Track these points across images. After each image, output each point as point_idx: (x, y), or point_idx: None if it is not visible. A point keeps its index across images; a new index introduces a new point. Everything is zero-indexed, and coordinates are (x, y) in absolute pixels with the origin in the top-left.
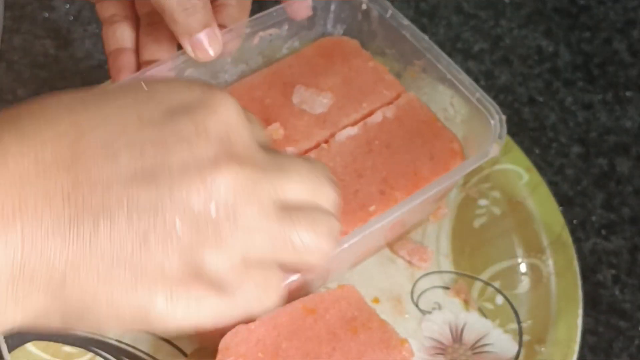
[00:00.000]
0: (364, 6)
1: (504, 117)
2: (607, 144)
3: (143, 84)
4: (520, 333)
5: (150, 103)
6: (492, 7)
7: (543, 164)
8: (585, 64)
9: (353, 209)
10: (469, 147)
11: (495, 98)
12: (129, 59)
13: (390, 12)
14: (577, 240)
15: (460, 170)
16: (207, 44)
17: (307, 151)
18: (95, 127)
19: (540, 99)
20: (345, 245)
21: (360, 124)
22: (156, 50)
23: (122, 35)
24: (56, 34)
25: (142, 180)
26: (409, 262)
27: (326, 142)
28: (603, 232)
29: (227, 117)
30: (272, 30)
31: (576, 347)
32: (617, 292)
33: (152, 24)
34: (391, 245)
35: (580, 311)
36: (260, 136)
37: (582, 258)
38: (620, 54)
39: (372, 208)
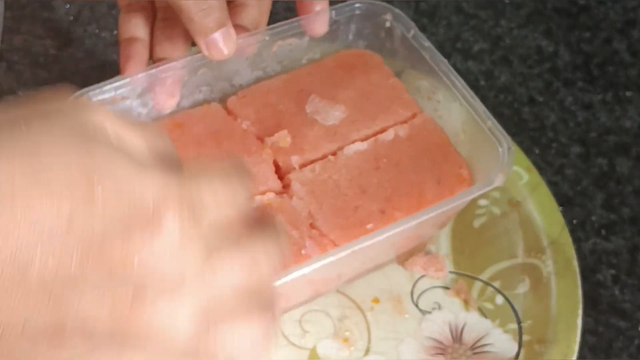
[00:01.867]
0: (387, 24)
1: (512, 148)
2: (607, 144)
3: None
4: (520, 333)
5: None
6: (492, 7)
7: (543, 164)
8: (585, 64)
9: (351, 224)
10: (475, 172)
11: (495, 98)
12: (140, 50)
13: (412, 32)
14: (577, 240)
15: (463, 197)
16: (221, 43)
17: (312, 162)
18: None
19: (540, 99)
20: (332, 259)
21: (371, 140)
22: (169, 48)
23: (136, 25)
24: (56, 34)
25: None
26: (426, 276)
27: (334, 154)
28: (603, 232)
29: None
30: (292, 41)
31: (576, 347)
32: (617, 292)
33: (167, 19)
34: (401, 261)
35: (580, 311)
36: (220, 213)
37: (582, 258)
38: (620, 54)
39: (369, 226)
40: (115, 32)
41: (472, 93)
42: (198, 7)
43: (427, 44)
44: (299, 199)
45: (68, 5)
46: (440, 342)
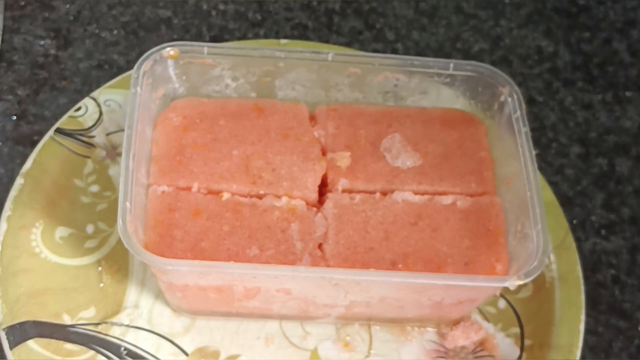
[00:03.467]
0: (502, 97)
1: (546, 260)
2: (607, 144)
3: None
4: (522, 337)
5: None
6: (492, 7)
7: (543, 164)
8: (585, 64)
9: (355, 260)
10: (512, 268)
11: None
12: None
13: (518, 113)
14: (577, 240)
15: (458, 279)
16: None
17: (358, 192)
18: None
19: (540, 98)
20: (303, 274)
21: (425, 197)
22: None
23: None
24: (56, 34)
25: None
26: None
27: (383, 194)
28: (603, 232)
29: None
30: (401, 77)
31: (578, 352)
32: (616, 292)
33: None
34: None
35: (582, 316)
36: None
37: (582, 258)
38: (620, 54)
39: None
40: (115, 31)
41: (539, 193)
42: None
43: (525, 129)
44: (323, 218)
45: (68, 5)
46: (442, 345)
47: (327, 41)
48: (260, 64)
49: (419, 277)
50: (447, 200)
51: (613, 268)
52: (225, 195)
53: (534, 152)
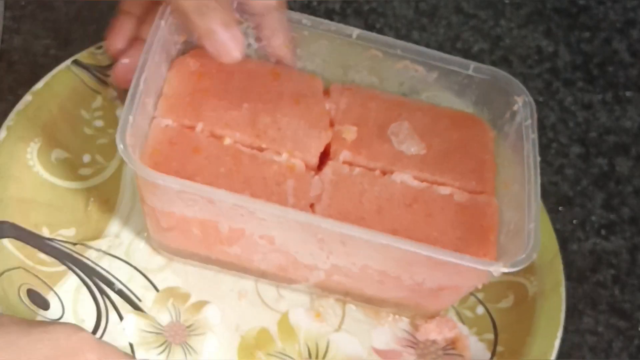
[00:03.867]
0: (515, 107)
1: (534, 255)
2: (607, 144)
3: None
4: (495, 344)
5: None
6: (491, 7)
7: (543, 164)
8: (585, 64)
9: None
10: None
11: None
12: (128, 22)
13: (529, 121)
14: (577, 240)
15: (447, 255)
16: (228, 45)
17: (360, 166)
18: None
19: (540, 99)
20: (292, 215)
21: (425, 184)
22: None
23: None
24: (56, 34)
25: None
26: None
27: (383, 172)
28: (603, 232)
29: None
30: (420, 69)
31: None
32: (616, 292)
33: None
34: (415, 327)
35: (559, 334)
36: None
37: (582, 258)
38: (620, 53)
39: None
40: None
41: (538, 194)
42: (198, 8)
43: (534, 136)
44: (320, 181)
45: (68, 5)
46: (413, 336)
47: None
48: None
49: (406, 243)
50: (445, 190)
51: (613, 268)
52: (228, 140)
53: (538, 158)
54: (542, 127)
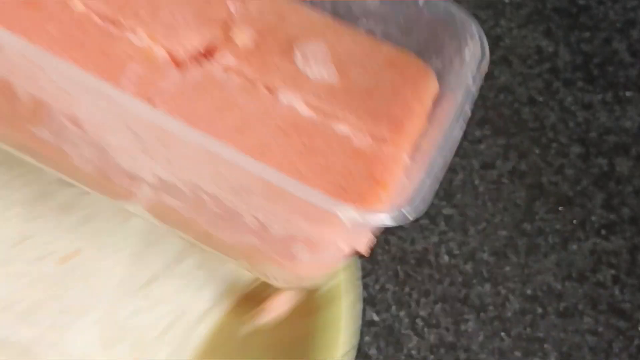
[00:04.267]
0: (466, 54)
1: (423, 205)
2: (607, 144)
3: None
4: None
5: None
6: (491, 7)
7: (543, 164)
8: (585, 64)
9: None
10: None
11: (495, 98)
12: None
13: (476, 71)
14: (576, 240)
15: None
16: None
17: (242, 76)
18: None
19: (540, 98)
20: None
21: (319, 115)
22: None
23: None
24: None
25: None
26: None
27: (269, 90)
28: (603, 232)
29: None
30: None
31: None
32: (616, 292)
33: None
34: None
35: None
36: None
37: (581, 258)
38: (620, 54)
39: None
40: None
41: (446, 155)
42: None
43: (473, 86)
44: (179, 77)
45: None
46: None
47: None
48: None
49: (231, 152)
50: (343, 128)
51: (613, 268)
52: (79, 6)
53: (468, 113)
54: (542, 127)
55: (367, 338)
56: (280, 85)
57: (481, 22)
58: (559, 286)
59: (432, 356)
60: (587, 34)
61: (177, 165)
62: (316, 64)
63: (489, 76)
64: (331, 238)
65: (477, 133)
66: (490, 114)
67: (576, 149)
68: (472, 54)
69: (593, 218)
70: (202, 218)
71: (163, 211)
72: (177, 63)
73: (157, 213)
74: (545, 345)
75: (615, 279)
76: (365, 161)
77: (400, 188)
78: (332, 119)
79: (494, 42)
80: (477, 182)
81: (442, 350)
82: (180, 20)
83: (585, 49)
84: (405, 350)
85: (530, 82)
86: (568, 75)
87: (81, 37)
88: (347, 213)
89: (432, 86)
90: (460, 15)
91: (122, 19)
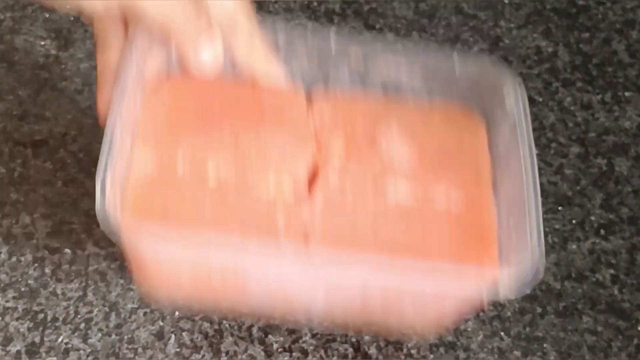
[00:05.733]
0: (507, 98)
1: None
2: (606, 144)
3: None
4: None
5: None
6: (491, 7)
7: (542, 164)
8: (584, 64)
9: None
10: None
11: None
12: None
13: (522, 115)
14: (576, 240)
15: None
16: (207, 61)
17: (350, 181)
18: None
19: (540, 99)
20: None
21: (419, 192)
22: None
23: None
24: (57, 35)
25: None
26: None
27: (375, 187)
28: (602, 232)
29: None
30: (402, 61)
31: None
32: (616, 292)
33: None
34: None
35: None
36: None
37: (581, 258)
38: (619, 54)
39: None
40: None
41: (538, 193)
42: (162, 9)
43: (529, 131)
44: (310, 206)
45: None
46: None
47: None
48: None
49: (405, 265)
50: (440, 199)
51: (612, 268)
52: (210, 167)
53: (535, 151)
54: (541, 128)
55: (367, 337)
56: (382, 178)
57: (481, 22)
58: (558, 286)
59: (431, 356)
60: (586, 35)
61: (347, 286)
62: (396, 147)
63: None
64: (472, 294)
65: None
66: None
67: (575, 149)
68: (511, 93)
69: (592, 218)
70: (361, 311)
71: (331, 315)
72: (300, 187)
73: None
74: (545, 345)
75: (615, 279)
76: (467, 222)
77: (512, 244)
78: (427, 194)
79: (494, 42)
80: None
81: (441, 350)
82: (286, 149)
83: (585, 49)
84: (405, 350)
85: (529, 82)
86: (567, 75)
87: (229, 205)
88: (496, 273)
89: (481, 125)
90: (491, 61)
91: (248, 164)
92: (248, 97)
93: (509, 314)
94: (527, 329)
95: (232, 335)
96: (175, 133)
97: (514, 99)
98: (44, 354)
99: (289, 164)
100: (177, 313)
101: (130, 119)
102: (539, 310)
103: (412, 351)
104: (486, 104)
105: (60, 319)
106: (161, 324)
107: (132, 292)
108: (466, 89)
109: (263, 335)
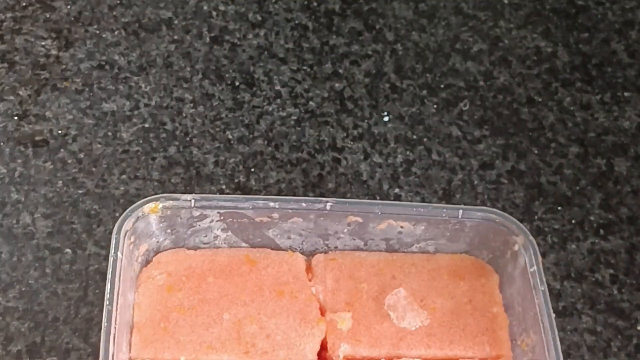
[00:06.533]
0: (515, 247)
1: None
2: (605, 144)
3: None
4: None
5: None
6: (491, 7)
7: (542, 164)
8: (583, 65)
9: None
10: None
11: (494, 98)
12: None
13: (535, 268)
14: (575, 240)
15: None
16: None
17: (362, 358)
18: None
19: (539, 99)
20: None
21: None
22: None
23: None
24: (57, 35)
25: None
26: None
27: (389, 359)
28: (601, 231)
29: None
30: (406, 225)
31: None
32: (615, 292)
33: None
34: None
35: None
36: None
37: (580, 258)
38: (618, 54)
39: None
40: (116, 32)
41: (559, 352)
42: None
43: (543, 287)
44: None
45: (69, 6)
46: None
47: (327, 42)
48: (252, 215)
49: None
50: None
51: (611, 267)
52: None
53: (553, 315)
54: (541, 128)
55: None
56: (395, 350)
57: (480, 22)
58: (557, 285)
59: None
60: (585, 35)
61: None
62: (407, 314)
63: (488, 76)
64: None
65: (476, 133)
66: (489, 114)
67: (575, 149)
68: (522, 247)
69: (592, 218)
70: None
71: None
72: None
73: None
74: None
75: (614, 279)
76: None
77: None
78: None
79: (493, 42)
80: (476, 182)
81: None
82: (292, 334)
83: (584, 49)
84: None
85: (529, 83)
86: (567, 75)
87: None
88: None
89: (493, 279)
90: (499, 215)
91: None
92: (244, 271)
93: None
94: None
95: None
96: (173, 335)
97: (524, 250)
98: (44, 354)
99: (296, 348)
100: None
101: (124, 321)
102: None
103: None
104: (495, 254)
105: (61, 318)
106: None
107: None
108: (472, 240)
109: None
